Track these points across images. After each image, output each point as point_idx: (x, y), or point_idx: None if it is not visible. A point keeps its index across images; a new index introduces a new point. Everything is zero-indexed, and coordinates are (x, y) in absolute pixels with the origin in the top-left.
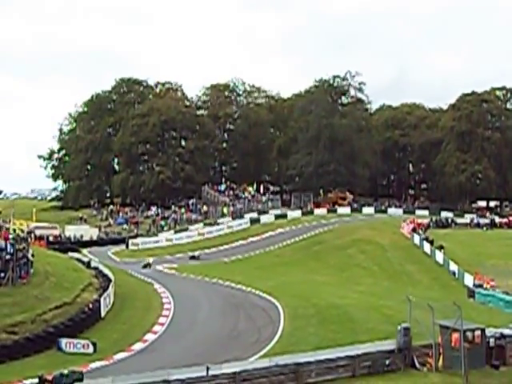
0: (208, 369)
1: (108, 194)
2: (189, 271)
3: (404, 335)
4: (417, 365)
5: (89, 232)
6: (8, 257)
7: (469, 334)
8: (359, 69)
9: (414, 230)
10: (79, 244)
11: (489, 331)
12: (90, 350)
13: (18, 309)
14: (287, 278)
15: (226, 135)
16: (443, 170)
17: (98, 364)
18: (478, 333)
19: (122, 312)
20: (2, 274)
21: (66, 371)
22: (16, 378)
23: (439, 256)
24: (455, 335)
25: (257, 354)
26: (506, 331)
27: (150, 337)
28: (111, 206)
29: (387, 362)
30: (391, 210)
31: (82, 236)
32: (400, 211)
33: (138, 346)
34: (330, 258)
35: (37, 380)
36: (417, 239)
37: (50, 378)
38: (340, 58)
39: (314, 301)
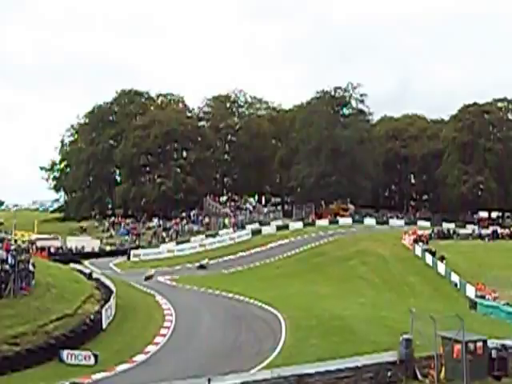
0: (209, 380)
1: (110, 206)
2: (190, 283)
3: (406, 347)
4: (419, 376)
5: (90, 243)
6: (9, 268)
7: (471, 345)
8: (361, 80)
9: (415, 241)
10: (81, 255)
11: (491, 342)
12: (92, 361)
13: (20, 320)
14: (289, 289)
15: (227, 146)
16: (445, 181)
17: (99, 375)
18: (479, 344)
19: (123, 323)
20: (4, 286)
21: (67, 383)
22: None
23: (441, 267)
24: (457, 346)
25: (258, 365)
26: (508, 342)
27: (151, 348)
28: (113, 218)
29: (389, 374)
30: (393, 221)
31: (83, 247)
32: (401, 222)
33: (139, 358)
34: (331, 270)
35: None
36: (418, 250)
37: None
38: (341, 69)
39: (316, 312)
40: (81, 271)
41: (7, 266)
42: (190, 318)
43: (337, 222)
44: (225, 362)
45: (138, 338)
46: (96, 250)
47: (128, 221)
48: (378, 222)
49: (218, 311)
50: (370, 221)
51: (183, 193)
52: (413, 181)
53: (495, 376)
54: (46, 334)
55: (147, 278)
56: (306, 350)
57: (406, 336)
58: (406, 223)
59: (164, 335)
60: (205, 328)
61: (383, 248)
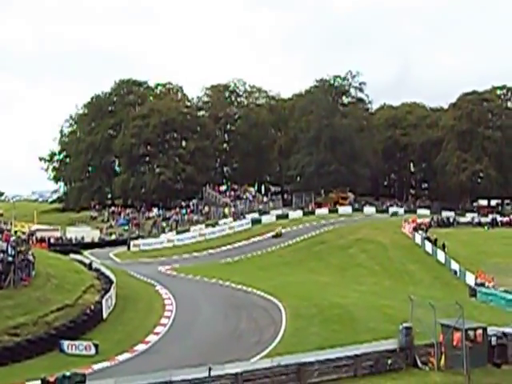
0: (210, 369)
1: (109, 196)
2: (190, 272)
3: (406, 334)
4: (419, 364)
5: (90, 234)
6: (9, 259)
7: (470, 332)
8: (360, 68)
9: (415, 229)
10: (81, 246)
11: (490, 330)
12: (92, 351)
13: (20, 311)
14: (289, 278)
15: (226, 136)
16: (444, 169)
17: (100, 365)
18: (479, 332)
19: (123, 313)
20: (4, 277)
21: (68, 373)
22: (18, 380)
23: (441, 255)
24: (457, 334)
25: (259, 354)
26: (508, 330)
27: (152, 338)
28: (112, 208)
29: (389, 362)
30: (392, 210)
31: (83, 238)
32: (401, 210)
33: (140, 347)
34: (331, 258)
35: (39, 382)
36: (418, 238)
37: (52, 379)
38: (340, 58)
39: (316, 301)
40: (81, 261)
41: (7, 257)
42: (190, 307)
43: (336, 211)
44: (225, 350)
45: (139, 327)
46: (96, 240)
47: (128, 211)
48: (377, 211)
49: (219, 300)
50: (369, 209)
51: (183, 182)
52: (412, 169)
53: (495, 363)
54: (46, 324)
55: (276, 236)
56: (306, 338)
57: (405, 324)
58: (406, 211)
59: (164, 325)
60: (205, 317)
61: (383, 236)
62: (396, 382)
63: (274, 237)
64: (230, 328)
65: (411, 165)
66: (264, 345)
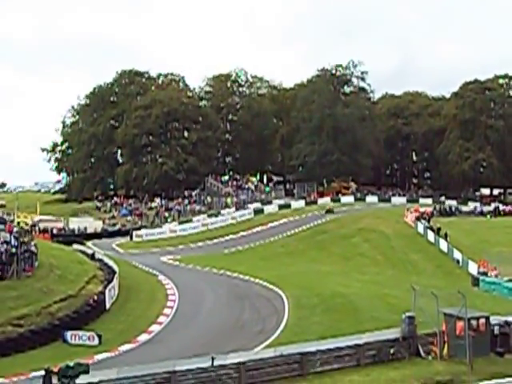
0: (213, 359)
1: (112, 186)
2: (193, 262)
3: (408, 324)
4: (421, 353)
5: (93, 224)
6: (12, 250)
7: (473, 322)
8: (362, 57)
9: (417, 218)
10: (83, 236)
11: (493, 319)
12: (96, 341)
13: (23, 301)
14: (291, 267)
15: (228, 126)
16: (446, 158)
17: (103, 356)
18: (482, 321)
19: (126, 304)
20: (7, 268)
21: (71, 363)
22: (22, 371)
23: (443, 244)
24: (460, 323)
25: (262, 343)
26: (511, 319)
27: (155, 328)
28: (115, 198)
29: (392, 351)
30: (395, 199)
31: (85, 228)
32: (403, 200)
33: (143, 338)
34: (334, 248)
35: (43, 372)
36: (420, 228)
37: (55, 370)
38: (342, 47)
39: (319, 290)
40: (83, 252)
41: (10, 248)
42: (192, 297)
43: (339, 200)
44: (228, 340)
45: (142, 317)
46: (98, 230)
47: (130, 201)
48: (380, 200)
49: (221, 290)
50: (372, 199)
51: (185, 173)
52: (414, 158)
53: (498, 352)
54: (49, 315)
55: (328, 211)
56: (308, 327)
57: (408, 313)
58: (408, 201)
59: (167, 315)
60: (208, 307)
61: (385, 225)
62: (399, 371)
63: (326, 212)
64: (232, 318)
65: (413, 154)
66: (267, 334)
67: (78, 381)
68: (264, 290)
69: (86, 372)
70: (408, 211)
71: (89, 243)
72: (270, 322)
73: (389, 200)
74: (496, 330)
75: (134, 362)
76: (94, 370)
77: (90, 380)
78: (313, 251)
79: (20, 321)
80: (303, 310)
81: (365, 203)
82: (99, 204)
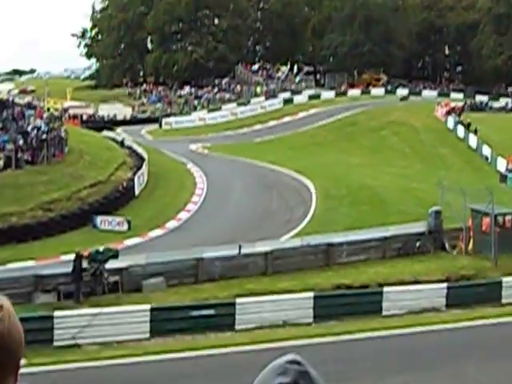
0: (240, 247)
1: (141, 73)
2: (221, 151)
3: (435, 218)
4: (447, 248)
5: (122, 111)
6: (43, 135)
7: (500, 218)
8: None
9: (447, 113)
10: (113, 123)
11: None
12: (125, 227)
13: (54, 186)
14: (320, 158)
15: (259, 14)
16: (479, 52)
17: (132, 241)
18: (508, 217)
19: (155, 191)
20: (37, 153)
21: (101, 248)
22: (53, 254)
23: (472, 140)
24: (486, 219)
25: (289, 233)
26: None
27: (183, 215)
28: (144, 85)
29: (417, 244)
30: (426, 93)
31: (115, 115)
32: (434, 94)
33: (171, 224)
34: (363, 140)
35: (73, 256)
36: (450, 122)
37: (86, 254)
38: None
39: (347, 182)
40: (113, 139)
41: (41, 134)
42: (221, 186)
43: (369, 93)
44: (255, 229)
45: (170, 205)
46: (128, 117)
47: (160, 88)
48: (410, 93)
49: (250, 180)
50: (402, 91)
51: (214, 61)
52: (447, 52)
53: None
54: (79, 200)
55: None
56: (335, 219)
57: (435, 207)
58: (439, 95)
59: (195, 202)
60: (236, 196)
61: (415, 119)
62: (423, 264)
63: (401, 100)
64: (260, 207)
65: (446, 48)
66: (294, 224)
67: (107, 265)
68: (292, 180)
69: (116, 257)
70: (438, 105)
71: (118, 130)
72: (297, 212)
73: (419, 93)
74: None
75: (163, 248)
76: (123, 255)
77: (119, 265)
78: (342, 143)
79: (50, 205)
80: (331, 201)
81: (395, 96)
82: (129, 90)
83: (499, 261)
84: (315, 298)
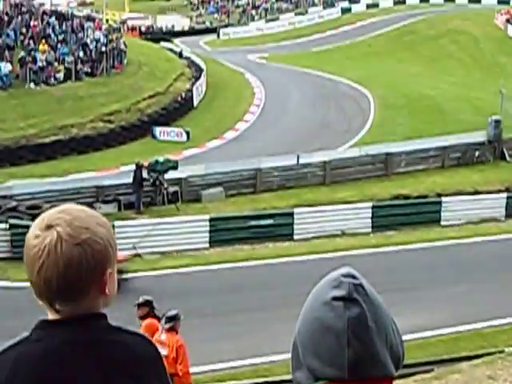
0: (298, 157)
1: None
2: (279, 61)
3: (495, 127)
4: (507, 157)
5: (180, 22)
6: (102, 48)
7: None
8: None
9: (508, 21)
10: (171, 34)
11: None
12: (184, 138)
13: (113, 98)
14: (378, 68)
15: None
16: None
17: (191, 151)
18: None
19: (213, 101)
20: (97, 65)
21: (161, 159)
22: (113, 164)
23: None
24: None
25: (347, 143)
26: None
27: (241, 125)
28: None
29: (477, 154)
30: (485, 0)
31: (173, 26)
32: (495, 1)
33: (229, 135)
34: (421, 49)
35: (133, 166)
36: (511, 30)
37: (146, 164)
38: None
39: (405, 91)
40: (171, 50)
41: (100, 46)
42: (279, 96)
43: (428, 1)
44: (313, 139)
45: (228, 115)
46: (186, 28)
47: None
48: (470, 1)
49: (308, 90)
50: None
51: None
52: None
53: None
54: (138, 111)
55: None
56: (394, 128)
57: (495, 117)
58: (500, 2)
59: (254, 113)
60: (294, 106)
61: (475, 27)
62: (483, 174)
63: None
64: (318, 117)
65: None
66: (352, 134)
67: (166, 176)
68: (350, 89)
69: (175, 168)
70: (499, 13)
71: (176, 41)
72: (355, 122)
73: (479, 1)
74: None
75: (221, 158)
76: (182, 165)
77: (179, 175)
78: (400, 52)
79: (110, 117)
80: (389, 111)
81: (454, 4)
82: (187, 1)
83: None
84: (373, 207)
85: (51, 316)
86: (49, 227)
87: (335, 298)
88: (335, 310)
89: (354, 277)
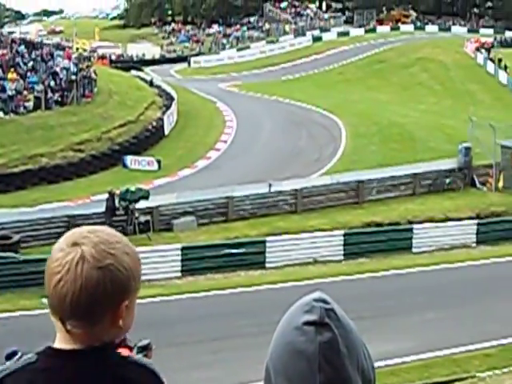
0: (270, 185)
1: (169, 12)
2: (250, 89)
3: (465, 154)
4: (477, 184)
5: (151, 50)
6: (72, 76)
7: None
8: None
9: (477, 49)
10: (141, 62)
11: None
12: (155, 166)
13: (84, 127)
14: (349, 96)
15: None
16: None
17: (162, 180)
18: None
19: (185, 130)
20: (67, 94)
21: (132, 188)
22: (84, 194)
23: (503, 76)
24: None
25: (318, 171)
26: None
27: (213, 154)
28: (173, 24)
29: (447, 181)
30: (455, 29)
31: (144, 54)
32: (464, 30)
33: (201, 163)
34: (392, 77)
35: (105, 195)
36: (480, 58)
37: (117, 192)
38: None
39: (376, 119)
40: (142, 78)
41: (70, 74)
42: (250, 124)
43: (398, 29)
44: (285, 168)
45: (200, 144)
46: (156, 57)
47: (188, 27)
48: (440, 29)
49: (279, 118)
50: (431, 28)
51: None
52: None
53: None
54: (109, 140)
55: None
56: (365, 156)
57: (465, 144)
58: (469, 31)
59: (225, 141)
60: (265, 135)
61: (445, 55)
62: (453, 201)
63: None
64: (290, 145)
65: None
66: (323, 162)
67: (137, 205)
68: (321, 117)
69: (146, 198)
70: (468, 41)
71: (147, 69)
72: (327, 150)
73: (449, 29)
74: None
75: (193, 186)
76: (154, 194)
77: (151, 204)
78: (371, 80)
79: (81, 146)
80: (360, 139)
81: (424, 32)
82: (157, 30)
83: None
84: (345, 235)
85: (60, 342)
86: (74, 244)
87: (307, 323)
88: (307, 335)
89: (325, 301)
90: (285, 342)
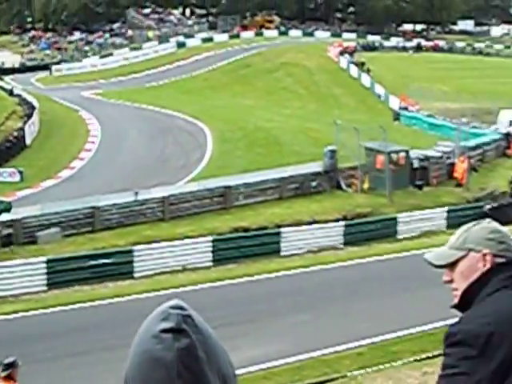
0: (137, 194)
1: (29, 19)
2: (114, 97)
3: (330, 157)
4: (343, 186)
5: (10, 59)
6: None
7: (393, 155)
8: None
9: (341, 53)
10: (1, 71)
11: (413, 153)
12: (17, 178)
13: None
14: (214, 102)
15: None
16: None
17: (25, 192)
18: (402, 154)
19: (48, 140)
20: None
21: None
22: None
23: (365, 79)
24: (380, 157)
25: (185, 178)
26: (430, 153)
27: (77, 163)
28: (33, 32)
29: (314, 184)
30: (318, 34)
31: (3, 63)
32: (327, 34)
33: (65, 174)
34: (257, 82)
35: None
36: (343, 62)
37: None
38: None
39: (241, 124)
40: (1, 87)
41: None
42: (115, 132)
43: (261, 34)
44: (152, 175)
45: (63, 153)
46: (16, 65)
47: (48, 35)
48: (303, 34)
49: (144, 125)
50: (295, 33)
51: (105, 5)
52: None
53: (417, 185)
54: None
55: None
56: (232, 161)
57: (330, 147)
58: (332, 35)
59: (89, 150)
60: (131, 143)
61: (309, 60)
62: (320, 203)
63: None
64: (155, 152)
65: None
66: (190, 169)
67: (0, 218)
68: (187, 124)
69: (8, 211)
70: (331, 46)
71: (7, 78)
72: (193, 156)
73: (312, 34)
74: (415, 163)
75: (57, 197)
76: (17, 206)
77: (13, 217)
78: (236, 85)
79: None
80: (226, 144)
81: (289, 37)
82: (17, 38)
83: (394, 197)
84: (213, 241)
85: None
86: None
87: (164, 331)
88: (164, 342)
89: (182, 308)
90: (142, 350)
